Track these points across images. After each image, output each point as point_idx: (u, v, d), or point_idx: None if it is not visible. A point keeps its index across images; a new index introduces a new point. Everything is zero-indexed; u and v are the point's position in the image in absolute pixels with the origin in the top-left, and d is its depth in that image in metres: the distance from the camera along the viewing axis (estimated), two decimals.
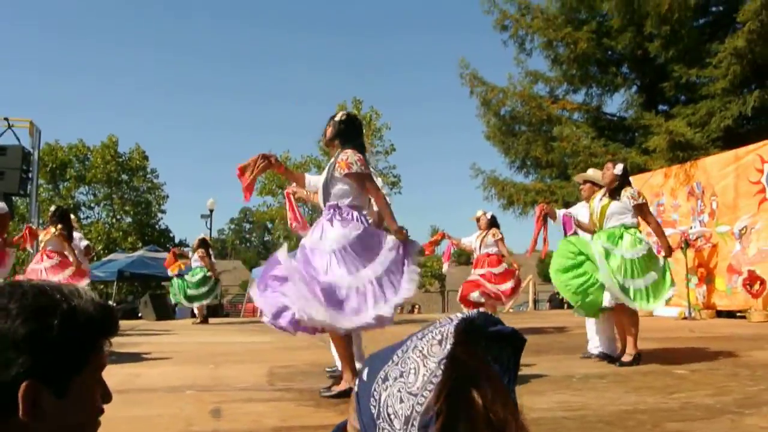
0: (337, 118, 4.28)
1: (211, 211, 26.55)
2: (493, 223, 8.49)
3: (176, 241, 34.13)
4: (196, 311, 12.43)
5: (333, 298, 3.79)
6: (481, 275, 8.31)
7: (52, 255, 7.90)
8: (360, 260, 3.91)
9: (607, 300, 5.22)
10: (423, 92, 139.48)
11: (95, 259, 23.65)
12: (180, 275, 12.25)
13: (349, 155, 4.07)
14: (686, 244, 10.67)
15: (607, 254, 5.20)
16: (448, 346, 0.76)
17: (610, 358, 5.56)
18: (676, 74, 14.26)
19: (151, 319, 13.94)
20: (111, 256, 24.72)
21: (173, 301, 13.07)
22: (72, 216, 8.75)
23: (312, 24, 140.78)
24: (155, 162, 54.62)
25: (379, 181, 5.46)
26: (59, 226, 7.81)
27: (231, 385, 4.65)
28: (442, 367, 0.75)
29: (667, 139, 12.87)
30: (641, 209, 5.42)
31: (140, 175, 33.78)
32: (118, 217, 33.05)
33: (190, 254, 12.72)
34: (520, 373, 0.82)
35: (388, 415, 0.77)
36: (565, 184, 15.81)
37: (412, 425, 0.74)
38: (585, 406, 3.74)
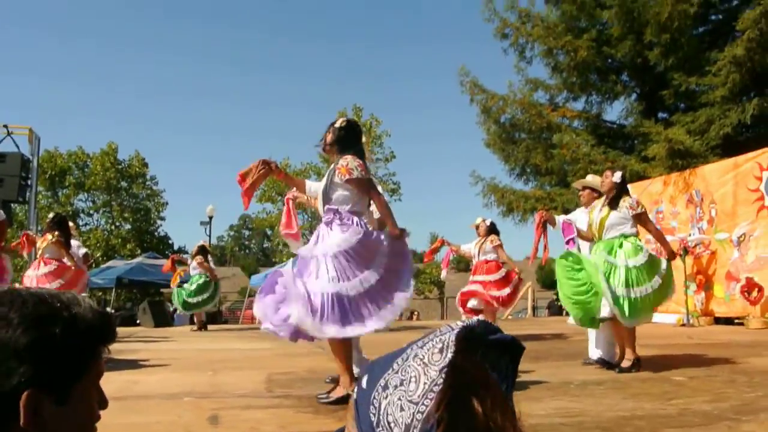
0: (336, 125, 4.28)
1: (211, 217, 26.56)
2: (492, 230, 8.49)
3: (175, 248, 34.17)
4: (194, 318, 12.43)
5: (320, 308, 3.80)
6: (478, 282, 8.32)
7: (49, 262, 7.90)
8: (357, 267, 3.91)
9: (605, 312, 5.24)
10: (423, 99, 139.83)
11: (94, 265, 23.64)
12: (181, 284, 12.26)
13: (349, 161, 4.07)
14: (685, 251, 10.67)
15: (610, 268, 5.22)
16: (449, 355, 0.77)
17: (608, 364, 5.57)
18: (675, 82, 14.30)
19: (149, 325, 13.92)
20: (110, 263, 24.72)
21: (175, 308, 13.09)
22: (71, 223, 8.74)
23: (313, 31, 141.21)
24: (155, 169, 54.82)
25: (378, 188, 5.47)
26: (56, 233, 7.81)
27: (229, 392, 4.64)
28: (443, 375, 0.76)
29: (666, 147, 12.90)
30: (640, 218, 5.44)
31: (140, 182, 33.76)
32: (117, 224, 33.01)
33: (189, 261, 12.72)
34: (518, 379, 0.82)
35: (388, 423, 0.77)
36: (564, 191, 15.83)
37: None
38: (583, 413, 3.74)
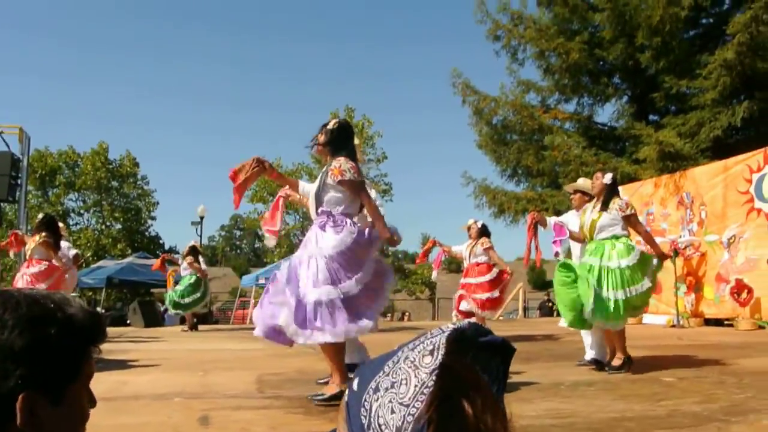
0: (329, 126, 4.27)
1: (202, 218, 26.47)
2: (483, 232, 8.49)
3: (166, 248, 34.01)
4: (185, 318, 12.39)
5: (305, 314, 3.81)
6: (464, 285, 8.37)
7: (39, 262, 7.84)
8: (351, 268, 3.91)
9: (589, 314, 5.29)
10: (415, 100, 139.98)
11: (84, 265, 23.53)
12: (175, 285, 12.24)
13: (342, 163, 4.07)
14: (675, 252, 10.73)
15: (603, 272, 5.25)
16: (440, 357, 0.77)
17: (600, 364, 5.61)
18: (666, 85, 14.39)
19: (139, 326, 13.86)
20: (100, 263, 24.61)
21: (165, 309, 13.07)
22: (61, 224, 8.69)
23: (305, 32, 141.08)
24: (146, 169, 54.62)
25: (372, 192, 5.46)
26: (43, 234, 7.75)
27: (220, 393, 4.63)
28: (433, 377, 0.76)
29: (657, 149, 12.97)
30: (629, 220, 5.46)
31: (130, 181, 33.64)
32: (108, 223, 32.87)
33: (180, 261, 12.69)
34: (509, 380, 0.82)
35: (379, 425, 0.77)
36: (555, 192, 15.89)
37: None
38: (574, 414, 3.75)
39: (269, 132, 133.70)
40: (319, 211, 4.12)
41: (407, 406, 0.75)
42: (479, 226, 8.53)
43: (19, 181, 12.89)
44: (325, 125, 4.30)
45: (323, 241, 3.96)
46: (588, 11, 16.17)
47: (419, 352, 0.79)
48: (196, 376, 5.54)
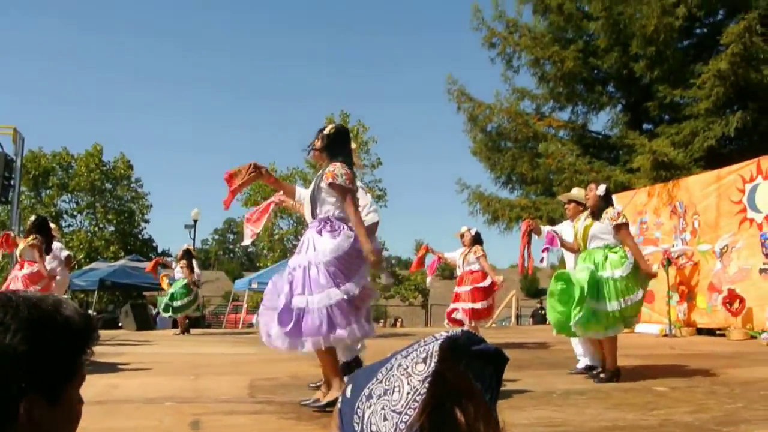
0: (325, 131, 4.25)
1: (195, 221, 26.39)
2: (476, 240, 8.50)
3: (159, 250, 33.90)
4: (177, 322, 12.35)
5: (300, 321, 3.82)
6: (457, 294, 8.39)
7: (31, 264, 7.79)
8: (346, 274, 3.90)
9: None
10: (411, 102, 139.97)
11: (76, 267, 23.43)
12: (170, 283, 12.22)
13: (337, 167, 4.06)
14: (668, 261, 10.76)
15: (599, 283, 5.26)
16: (433, 364, 0.77)
17: (595, 369, 5.65)
18: (660, 94, 14.46)
19: (131, 329, 13.80)
20: (92, 265, 24.50)
21: (158, 312, 13.03)
22: (53, 225, 8.64)
23: (304, 31, 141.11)
24: (140, 171, 54.48)
25: (368, 197, 5.46)
26: (32, 236, 7.70)
27: (211, 397, 4.60)
28: (426, 385, 0.76)
29: (650, 158, 13.02)
30: (618, 229, 5.44)
31: (124, 184, 33.58)
32: (101, 225, 32.77)
33: (173, 264, 12.65)
34: (501, 388, 0.82)
35: None
36: (549, 200, 15.93)
37: None
38: (566, 422, 3.75)
39: (263, 136, 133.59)
40: (315, 215, 4.11)
41: (399, 413, 0.75)
42: (472, 233, 8.54)
43: (12, 182, 12.84)
44: (322, 130, 4.29)
45: (320, 246, 3.94)
46: (583, 20, 16.27)
47: (412, 360, 0.79)
48: (187, 380, 5.52)
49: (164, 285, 12.61)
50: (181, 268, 11.88)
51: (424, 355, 0.79)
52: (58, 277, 8.23)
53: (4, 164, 12.26)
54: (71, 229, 32.30)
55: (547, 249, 6.10)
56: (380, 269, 4.06)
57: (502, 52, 17.18)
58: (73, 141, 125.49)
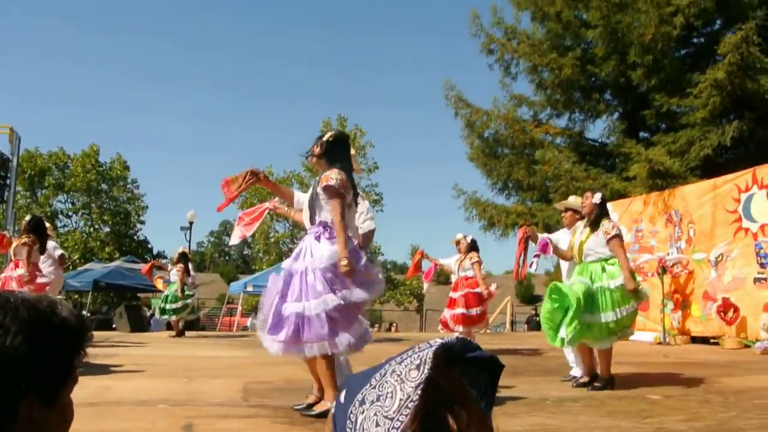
0: (324, 138, 4.24)
1: (191, 223, 26.35)
2: (472, 247, 8.51)
3: (154, 252, 33.82)
4: (172, 324, 12.32)
5: (289, 328, 3.81)
6: (451, 300, 8.40)
7: (24, 264, 7.74)
8: (340, 282, 3.89)
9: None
10: (408, 107, 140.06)
11: (71, 268, 23.35)
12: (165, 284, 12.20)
13: (333, 173, 4.05)
14: (663, 270, 10.79)
15: (593, 295, 5.28)
16: (426, 371, 0.77)
17: (580, 378, 5.66)
18: (657, 103, 14.51)
19: (125, 330, 13.77)
20: (87, 266, 24.43)
21: (152, 314, 13.00)
22: (48, 224, 8.61)
23: (301, 33, 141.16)
24: (136, 173, 54.21)
25: (365, 204, 5.45)
26: (24, 235, 7.65)
27: (205, 400, 4.59)
28: (418, 391, 0.76)
29: (646, 167, 13.05)
30: (610, 240, 5.44)
31: (120, 185, 33.50)
32: (96, 226, 32.68)
33: (170, 267, 12.64)
34: (495, 394, 0.82)
35: None
36: (545, 207, 15.95)
37: None
38: (559, 429, 3.75)
39: (260, 139, 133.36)
40: (314, 221, 4.10)
41: (392, 419, 0.75)
42: (468, 241, 8.56)
43: (7, 182, 12.82)
44: (321, 137, 4.28)
45: (317, 252, 3.93)
46: (581, 28, 16.33)
47: (406, 366, 0.79)
48: (181, 383, 5.50)
49: (159, 286, 12.58)
50: (178, 271, 11.86)
51: (417, 361, 0.79)
52: (47, 279, 8.19)
53: (0, 163, 12.23)
54: (66, 229, 32.20)
55: (538, 255, 6.10)
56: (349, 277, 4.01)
57: (500, 59, 17.24)
58: (69, 141, 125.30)
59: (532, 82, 17.15)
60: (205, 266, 75.85)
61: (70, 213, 33.45)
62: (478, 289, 8.27)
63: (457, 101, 17.30)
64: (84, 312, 20.08)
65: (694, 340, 10.53)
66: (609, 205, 6.06)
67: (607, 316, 5.21)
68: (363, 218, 5.37)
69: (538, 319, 20.58)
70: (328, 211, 4.04)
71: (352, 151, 4.43)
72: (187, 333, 12.57)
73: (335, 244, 3.92)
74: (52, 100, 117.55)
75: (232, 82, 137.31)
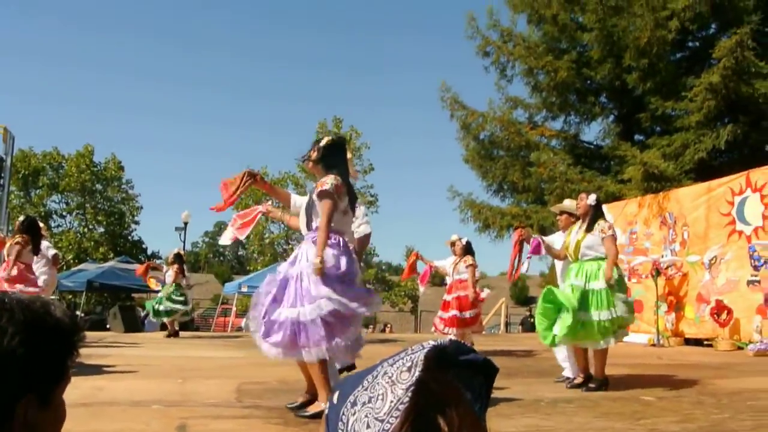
0: (321, 143, 4.23)
1: (186, 223, 26.28)
2: (468, 250, 8.50)
3: (149, 252, 33.75)
4: (167, 324, 12.30)
5: (294, 331, 3.81)
6: (445, 303, 8.40)
7: (19, 266, 7.71)
8: (340, 285, 3.89)
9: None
10: (404, 109, 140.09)
11: (65, 268, 23.29)
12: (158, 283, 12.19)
13: (330, 179, 4.03)
14: (657, 272, 10.82)
15: (588, 294, 5.31)
16: (417, 373, 0.77)
17: (572, 379, 5.68)
18: (652, 106, 14.56)
19: (119, 331, 13.73)
20: (81, 266, 24.35)
21: (146, 314, 12.97)
22: (42, 224, 8.58)
23: (299, 34, 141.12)
24: (130, 172, 54.10)
25: (361, 208, 5.45)
26: (17, 235, 7.62)
27: (199, 401, 4.58)
28: (409, 393, 0.76)
29: (641, 170, 13.10)
30: (605, 240, 5.48)
31: (115, 185, 33.43)
32: (91, 226, 32.58)
33: (165, 268, 12.62)
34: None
35: None
36: (540, 209, 15.98)
37: None
38: (554, 431, 3.76)
39: (256, 139, 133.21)
40: (310, 227, 4.10)
41: (382, 421, 0.75)
42: (464, 243, 8.54)
43: (1, 181, 12.77)
44: (318, 141, 4.28)
45: (313, 257, 3.93)
46: (577, 31, 16.38)
47: (398, 368, 0.79)
48: (175, 384, 5.49)
49: (152, 285, 12.55)
50: (173, 272, 11.86)
51: (409, 363, 0.79)
52: (36, 289, 8.15)
53: None
54: (60, 229, 32.11)
55: (530, 257, 6.13)
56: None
57: (496, 61, 17.26)
58: (64, 141, 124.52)
59: (528, 85, 17.21)
60: (199, 267, 75.67)
61: (64, 213, 33.38)
62: (469, 292, 8.27)
63: (453, 103, 17.34)
64: (78, 312, 20.06)
65: (688, 341, 10.57)
66: (604, 207, 6.07)
67: (602, 315, 5.22)
68: (358, 222, 5.36)
69: (532, 320, 20.60)
70: None
71: (349, 155, 4.42)
72: (182, 333, 12.55)
73: (329, 248, 3.92)
74: (47, 99, 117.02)
75: (227, 83, 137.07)
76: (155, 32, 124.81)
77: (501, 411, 4.26)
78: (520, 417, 4.13)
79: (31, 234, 7.66)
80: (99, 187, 33.01)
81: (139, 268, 13.46)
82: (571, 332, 5.20)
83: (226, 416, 4.07)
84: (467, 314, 8.21)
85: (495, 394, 4.74)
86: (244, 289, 20.26)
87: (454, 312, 8.20)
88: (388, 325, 27.17)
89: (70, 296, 24.77)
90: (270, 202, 4.98)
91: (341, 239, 4.04)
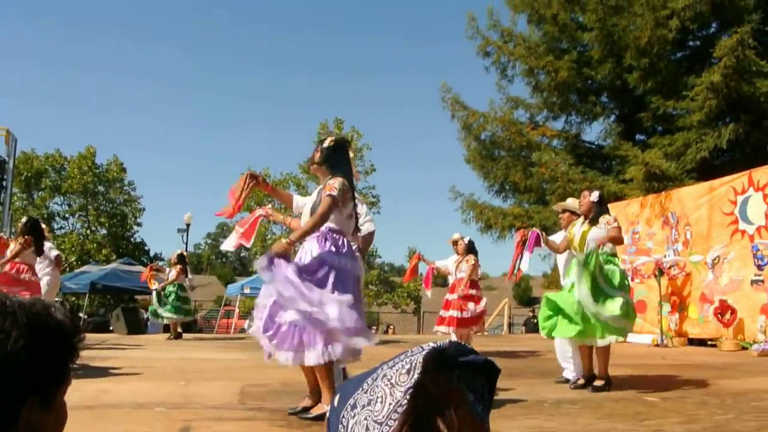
0: (325, 144, 4.23)
1: (188, 225, 26.29)
2: (470, 249, 8.51)
3: (151, 254, 33.77)
4: (170, 326, 12.31)
5: (299, 334, 3.81)
6: (447, 302, 8.39)
7: (23, 268, 7.72)
8: (344, 286, 3.88)
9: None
10: (405, 109, 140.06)
11: (68, 270, 23.29)
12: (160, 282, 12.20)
13: (337, 182, 4.03)
14: (660, 272, 10.80)
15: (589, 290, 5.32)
16: (416, 376, 0.77)
17: (586, 379, 5.66)
18: (653, 105, 14.55)
19: (122, 332, 13.75)
20: (84, 268, 24.37)
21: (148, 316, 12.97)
22: (44, 226, 8.59)
23: (299, 36, 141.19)
24: (133, 174, 54.09)
25: (364, 207, 5.45)
26: (21, 237, 7.63)
27: (202, 403, 4.58)
28: (407, 396, 0.76)
29: (643, 170, 13.09)
30: (612, 230, 5.47)
31: (117, 187, 33.46)
32: (93, 228, 32.61)
33: (167, 269, 12.63)
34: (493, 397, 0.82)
35: None
36: (542, 209, 15.98)
37: None
38: None
39: (257, 142, 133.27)
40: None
41: (381, 423, 0.75)
42: (466, 242, 8.54)
43: (4, 183, 12.80)
44: (321, 142, 4.29)
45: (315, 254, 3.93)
46: (577, 31, 16.38)
47: (397, 371, 0.79)
48: (178, 386, 5.49)
49: (152, 285, 12.55)
50: (177, 272, 11.88)
51: (408, 366, 0.79)
52: (48, 278, 8.17)
53: None
54: (63, 231, 32.13)
55: (530, 251, 6.07)
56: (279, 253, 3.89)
57: (496, 62, 17.27)
58: (66, 143, 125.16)
59: (529, 85, 17.23)
60: (202, 268, 75.76)
61: (66, 215, 33.39)
62: (471, 291, 8.26)
63: (454, 103, 17.35)
64: (81, 314, 20.07)
65: (692, 342, 10.55)
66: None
67: (605, 310, 5.20)
68: (362, 220, 5.36)
69: (535, 321, 20.62)
70: (330, 219, 4.04)
71: (350, 155, 4.44)
72: (185, 335, 12.56)
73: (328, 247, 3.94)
74: (49, 101, 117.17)
75: (229, 84, 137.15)
76: (156, 34, 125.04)
77: (504, 412, 4.25)
78: (524, 418, 4.13)
79: (34, 235, 7.67)
80: (101, 188, 33.04)
81: (143, 273, 13.46)
82: (572, 327, 5.21)
83: (229, 418, 4.07)
84: (467, 314, 8.20)
85: (499, 395, 4.73)
86: (247, 291, 20.27)
87: (453, 312, 8.19)
88: (391, 327, 27.16)
89: (73, 298, 24.78)
90: (271, 204, 4.98)
91: (343, 239, 4.04)
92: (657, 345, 10.40)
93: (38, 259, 7.89)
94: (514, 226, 15.91)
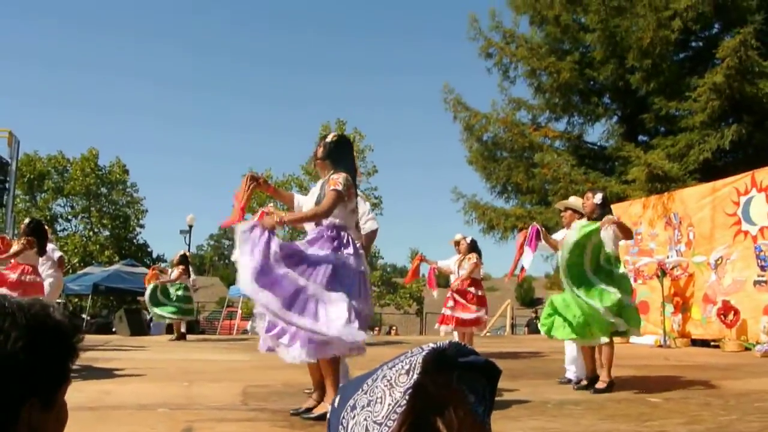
0: (328, 140, 4.26)
1: (191, 226, 26.33)
2: (473, 248, 8.51)
3: (154, 256, 33.83)
4: (174, 327, 12.32)
5: (295, 336, 3.82)
6: (450, 300, 8.38)
7: (26, 269, 7.73)
8: (347, 281, 3.89)
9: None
10: (407, 110, 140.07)
11: (71, 272, 23.33)
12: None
13: (341, 178, 4.04)
14: (663, 272, 10.79)
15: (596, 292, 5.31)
16: (415, 376, 0.77)
17: (589, 380, 5.65)
18: (656, 106, 14.54)
19: (125, 334, 13.76)
20: (87, 270, 24.44)
21: (152, 317, 12.99)
22: (47, 228, 8.60)
23: (300, 36, 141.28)
24: (135, 176, 54.07)
25: (366, 205, 5.46)
26: (23, 237, 7.63)
27: (204, 404, 4.59)
28: (406, 396, 0.76)
29: (645, 171, 13.08)
30: (620, 225, 5.46)
31: (120, 188, 33.51)
32: (96, 230, 32.67)
33: (169, 270, 12.65)
34: (495, 398, 0.82)
35: None
36: (544, 210, 15.97)
37: None
38: None
39: (260, 145, 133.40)
40: (319, 223, 4.10)
41: (380, 424, 0.76)
42: (468, 242, 8.54)
43: (7, 185, 12.83)
44: (324, 138, 4.31)
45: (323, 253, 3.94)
46: (579, 32, 16.38)
47: (396, 372, 0.79)
48: (180, 387, 5.50)
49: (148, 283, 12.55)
50: (179, 272, 11.91)
51: (407, 366, 0.79)
52: (51, 279, 8.17)
53: None
54: (66, 233, 32.19)
55: (533, 248, 6.02)
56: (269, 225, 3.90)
57: (498, 63, 17.28)
58: (68, 144, 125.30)
59: (531, 86, 17.23)
60: (204, 269, 75.89)
61: (69, 217, 33.47)
62: (475, 291, 8.25)
63: (456, 104, 17.36)
64: (84, 316, 20.12)
65: (695, 342, 10.53)
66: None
67: (606, 307, 5.19)
68: (365, 219, 5.37)
69: (538, 322, 20.65)
70: (334, 214, 4.04)
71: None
72: (188, 336, 12.57)
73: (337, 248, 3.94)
74: (52, 103, 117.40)
75: (230, 85, 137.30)
76: (156, 34, 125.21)
77: (508, 413, 4.25)
78: (527, 419, 4.12)
79: (37, 236, 7.67)
80: (104, 190, 33.10)
81: (148, 275, 13.48)
82: (574, 325, 5.23)
83: (232, 419, 4.07)
84: (469, 314, 8.18)
85: (502, 396, 4.74)
86: None
87: (457, 312, 8.18)
88: (394, 327, 27.16)
89: (76, 299, 24.85)
90: (271, 206, 4.98)
91: (346, 234, 4.04)
92: (660, 346, 10.38)
93: (41, 260, 7.90)
94: (516, 227, 15.90)
